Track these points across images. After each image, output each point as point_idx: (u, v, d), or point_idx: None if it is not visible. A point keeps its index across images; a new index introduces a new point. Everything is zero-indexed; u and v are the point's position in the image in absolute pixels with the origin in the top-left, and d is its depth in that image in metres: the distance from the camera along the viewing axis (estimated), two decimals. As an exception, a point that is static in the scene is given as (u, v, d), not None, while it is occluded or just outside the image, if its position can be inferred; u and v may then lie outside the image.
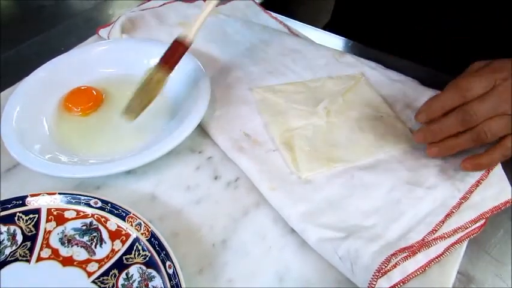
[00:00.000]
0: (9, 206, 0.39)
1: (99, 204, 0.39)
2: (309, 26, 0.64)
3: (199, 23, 0.45)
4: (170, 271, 0.34)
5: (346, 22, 0.73)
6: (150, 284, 0.35)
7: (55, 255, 0.37)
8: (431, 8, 0.61)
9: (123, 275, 0.36)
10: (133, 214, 0.38)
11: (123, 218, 0.38)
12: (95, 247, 0.37)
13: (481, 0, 0.56)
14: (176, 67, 0.51)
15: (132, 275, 0.36)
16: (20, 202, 0.39)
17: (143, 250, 0.36)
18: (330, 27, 0.74)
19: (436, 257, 0.36)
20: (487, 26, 0.58)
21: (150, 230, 0.37)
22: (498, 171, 0.41)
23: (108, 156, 0.44)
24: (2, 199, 0.39)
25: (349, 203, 0.39)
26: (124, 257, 0.37)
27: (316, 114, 0.47)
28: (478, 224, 0.38)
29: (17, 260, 0.37)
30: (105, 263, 0.37)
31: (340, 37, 0.62)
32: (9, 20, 0.73)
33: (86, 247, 0.38)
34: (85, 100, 0.49)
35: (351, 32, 0.63)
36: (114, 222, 0.38)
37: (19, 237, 0.38)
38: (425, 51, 0.61)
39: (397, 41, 0.62)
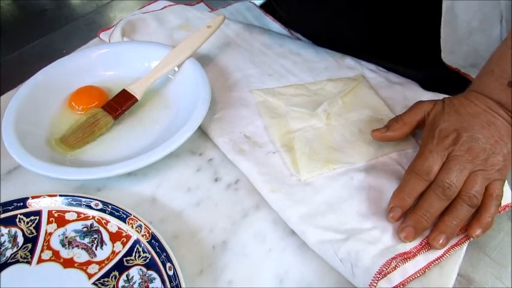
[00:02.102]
0: (10, 208, 0.39)
1: (100, 206, 0.39)
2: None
3: (149, 83, 0.50)
4: (170, 273, 0.35)
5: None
6: (151, 286, 0.35)
7: (56, 257, 0.37)
8: (428, 9, 0.61)
9: (124, 276, 0.36)
10: (133, 216, 0.38)
11: (123, 220, 0.38)
12: (96, 249, 0.38)
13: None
14: (177, 69, 0.52)
15: (133, 276, 0.36)
16: (21, 204, 0.39)
17: (144, 252, 0.37)
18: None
19: (436, 259, 0.36)
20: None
21: (150, 231, 0.37)
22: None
23: (109, 158, 0.45)
24: (3, 201, 0.40)
25: (349, 205, 0.39)
26: (124, 259, 0.37)
27: (316, 116, 0.47)
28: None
29: (17, 261, 0.37)
30: (106, 264, 0.37)
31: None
32: (11, 23, 0.74)
33: (87, 249, 0.38)
34: (90, 99, 0.50)
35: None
36: (114, 224, 0.38)
37: (20, 239, 0.38)
38: (425, 53, 0.61)
39: (395, 43, 0.62)
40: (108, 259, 0.37)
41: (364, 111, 0.48)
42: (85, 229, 0.39)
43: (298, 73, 0.53)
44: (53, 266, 0.37)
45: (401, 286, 0.35)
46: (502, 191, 0.38)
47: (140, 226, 0.37)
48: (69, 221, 0.39)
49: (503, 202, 0.39)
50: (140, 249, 0.37)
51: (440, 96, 0.49)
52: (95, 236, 0.38)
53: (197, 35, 0.53)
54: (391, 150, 0.44)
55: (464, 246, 0.38)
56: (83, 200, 0.39)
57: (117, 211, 0.38)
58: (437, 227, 0.36)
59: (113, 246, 0.38)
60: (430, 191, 0.37)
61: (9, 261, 0.37)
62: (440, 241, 0.36)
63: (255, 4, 0.67)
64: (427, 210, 0.36)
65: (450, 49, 0.49)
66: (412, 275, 0.35)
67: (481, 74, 0.42)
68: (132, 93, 0.49)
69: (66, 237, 0.38)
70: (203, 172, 0.45)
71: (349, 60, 0.55)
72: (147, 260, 0.36)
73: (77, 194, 0.40)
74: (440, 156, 0.38)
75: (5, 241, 0.38)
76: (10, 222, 0.39)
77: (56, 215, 0.39)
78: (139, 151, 0.44)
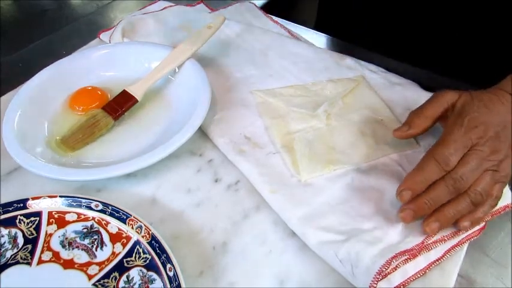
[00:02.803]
0: (11, 209, 0.39)
1: (100, 207, 0.39)
2: (310, 29, 0.64)
3: (149, 83, 0.49)
4: (171, 274, 0.34)
5: (332, 21, 0.72)
6: (151, 287, 0.35)
7: (56, 258, 0.37)
8: (429, 11, 0.61)
9: (124, 277, 0.36)
10: (134, 217, 0.38)
11: (123, 221, 0.38)
12: (96, 250, 0.38)
13: (479, 3, 0.56)
14: (177, 70, 0.52)
15: (133, 277, 0.36)
16: (21, 205, 0.39)
17: (144, 253, 0.36)
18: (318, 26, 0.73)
19: (437, 260, 0.36)
20: (486, 29, 0.58)
21: (150, 232, 0.37)
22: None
23: (109, 159, 0.45)
24: (3, 202, 0.39)
25: (350, 206, 0.39)
26: (125, 260, 0.37)
27: (317, 117, 0.47)
28: (478, 227, 0.38)
29: (18, 263, 0.37)
30: (106, 265, 0.37)
31: (340, 40, 0.62)
32: (12, 24, 0.74)
33: (87, 250, 0.38)
34: (90, 100, 0.50)
35: (339, 32, 0.63)
36: (114, 225, 0.38)
37: (20, 240, 0.38)
38: (425, 54, 0.61)
39: (396, 44, 0.62)
40: (109, 260, 0.37)
41: (364, 112, 0.48)
42: (85, 230, 0.39)
43: (298, 74, 0.53)
44: (53, 267, 0.37)
45: (401, 287, 0.35)
46: (502, 193, 0.37)
47: (140, 227, 0.37)
48: (69, 222, 0.39)
49: (504, 202, 0.39)
50: (140, 250, 0.37)
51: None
52: (95, 237, 0.38)
53: (197, 36, 0.53)
54: (392, 151, 0.44)
55: (465, 246, 0.38)
56: (83, 201, 0.39)
57: (117, 212, 0.38)
58: (434, 214, 0.36)
59: (113, 247, 0.37)
60: (442, 181, 0.36)
61: (9, 262, 0.37)
62: (433, 227, 0.36)
63: (255, 5, 0.67)
64: (432, 198, 0.36)
65: None
66: (412, 275, 0.35)
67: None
68: (132, 94, 0.49)
69: (66, 238, 0.38)
70: (203, 173, 0.45)
71: (349, 61, 0.55)
72: (148, 261, 0.36)
73: (77, 195, 0.40)
74: (463, 147, 0.37)
75: (5, 242, 0.38)
76: (10, 223, 0.39)
77: (56, 216, 0.39)
78: (139, 152, 0.44)
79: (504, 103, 0.39)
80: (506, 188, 0.40)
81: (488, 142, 0.37)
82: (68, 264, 0.37)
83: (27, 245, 0.38)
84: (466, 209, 0.36)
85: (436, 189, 0.36)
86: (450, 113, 0.40)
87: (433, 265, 0.36)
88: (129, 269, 0.36)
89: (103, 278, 0.36)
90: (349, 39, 0.61)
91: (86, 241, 0.38)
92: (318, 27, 0.65)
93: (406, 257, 0.35)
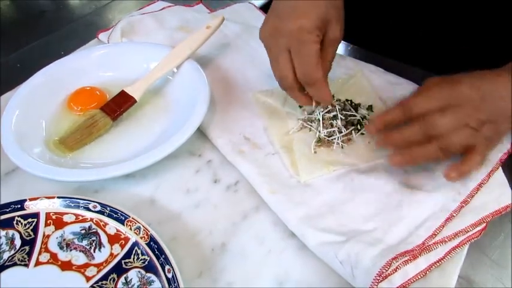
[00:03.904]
0: (8, 210, 0.39)
1: (98, 208, 0.39)
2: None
3: (148, 84, 0.49)
4: (169, 275, 0.34)
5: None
6: (149, 289, 0.35)
7: (54, 259, 0.37)
8: (429, 12, 0.61)
9: (122, 279, 0.36)
10: (132, 218, 0.38)
11: (122, 222, 0.38)
12: (94, 251, 0.37)
13: (479, 5, 0.56)
14: (176, 70, 0.51)
15: (131, 279, 0.35)
16: (19, 206, 0.39)
17: (142, 254, 0.36)
18: None
19: (437, 261, 0.36)
20: (485, 29, 0.58)
21: (149, 234, 0.37)
22: (498, 175, 0.41)
23: (107, 160, 0.44)
24: (0, 203, 0.39)
25: (349, 206, 0.39)
26: (123, 261, 0.36)
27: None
28: (478, 228, 0.38)
29: (15, 264, 0.37)
30: (104, 267, 0.36)
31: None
32: (11, 24, 0.73)
33: (85, 251, 0.37)
34: (88, 100, 0.50)
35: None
36: (113, 226, 0.38)
37: (18, 242, 0.38)
38: (424, 54, 0.61)
39: (395, 44, 0.62)
40: (107, 262, 0.37)
41: (363, 112, 0.48)
42: (83, 231, 0.38)
43: (297, 74, 0.53)
44: (50, 268, 0.37)
45: (402, 288, 0.34)
46: (486, 155, 0.39)
47: (139, 228, 0.37)
48: (67, 223, 0.39)
49: (504, 202, 0.39)
50: (139, 252, 0.36)
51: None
52: (93, 238, 0.38)
53: (196, 36, 0.53)
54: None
55: (465, 248, 0.37)
56: (81, 202, 0.39)
57: (116, 213, 0.38)
58: (401, 150, 0.39)
59: (111, 249, 0.37)
60: (416, 122, 0.38)
61: (6, 264, 0.37)
62: (395, 159, 0.39)
63: (254, 5, 0.67)
64: (402, 133, 0.39)
65: None
66: (413, 276, 0.35)
67: None
68: (130, 94, 0.48)
69: (64, 240, 0.38)
70: (202, 173, 0.44)
71: (348, 61, 0.55)
72: (146, 263, 0.36)
73: (75, 196, 0.39)
74: (437, 102, 0.38)
75: (2, 244, 0.38)
76: (7, 224, 0.38)
77: (53, 217, 0.39)
78: (138, 152, 0.44)
79: (505, 76, 0.39)
80: (507, 188, 0.40)
81: (474, 101, 0.37)
82: (66, 266, 0.37)
83: (25, 247, 0.38)
84: (433, 154, 0.38)
85: (408, 128, 0.39)
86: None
87: (433, 266, 0.35)
88: (127, 270, 0.36)
89: (101, 279, 0.36)
90: (348, 39, 0.61)
91: (84, 242, 0.38)
92: None
93: (406, 258, 0.35)
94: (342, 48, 0.62)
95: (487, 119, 0.38)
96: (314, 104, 0.44)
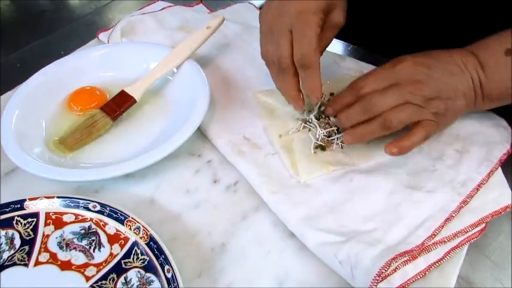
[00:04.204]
0: (8, 209, 0.39)
1: (98, 208, 0.39)
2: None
3: (148, 84, 0.49)
4: (169, 275, 0.34)
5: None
6: (149, 288, 0.35)
7: (53, 259, 0.37)
8: (429, 12, 0.61)
9: (122, 279, 0.36)
10: (132, 218, 0.38)
11: (121, 222, 0.38)
12: (94, 251, 0.37)
13: (479, 5, 0.56)
14: (176, 70, 0.51)
15: (131, 279, 0.35)
16: (19, 206, 0.39)
17: (142, 254, 0.36)
18: None
19: (436, 261, 0.36)
20: (485, 29, 0.58)
21: (149, 233, 0.37)
22: (498, 175, 0.41)
23: (107, 160, 0.44)
24: (0, 203, 0.39)
25: (349, 207, 0.39)
26: (122, 261, 0.36)
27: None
28: (478, 229, 0.38)
29: (15, 264, 0.37)
30: (104, 267, 0.36)
31: (340, 41, 0.62)
32: (11, 24, 0.73)
33: (85, 251, 0.37)
34: (88, 100, 0.50)
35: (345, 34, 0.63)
36: (112, 226, 0.38)
37: (17, 241, 0.38)
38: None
39: (395, 44, 0.62)
40: (106, 261, 0.37)
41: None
42: (83, 231, 0.38)
43: (297, 74, 0.53)
44: (50, 268, 0.37)
45: (401, 288, 0.34)
46: (432, 133, 0.39)
47: (138, 228, 0.37)
48: (66, 223, 0.39)
49: (504, 203, 0.39)
50: (138, 252, 0.36)
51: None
52: (92, 238, 0.38)
53: (196, 36, 0.53)
54: (391, 151, 0.44)
55: (465, 248, 0.37)
56: (81, 201, 0.39)
57: (115, 213, 0.38)
58: (351, 129, 0.41)
59: (111, 249, 0.37)
60: (357, 102, 0.41)
61: (6, 263, 0.37)
62: (344, 138, 0.42)
63: (254, 5, 0.67)
64: (346, 113, 0.41)
65: None
66: (412, 277, 0.35)
67: (487, 38, 0.43)
68: (130, 94, 0.48)
69: (63, 240, 0.38)
70: (202, 174, 0.44)
71: (348, 61, 0.55)
72: (146, 263, 0.36)
73: (74, 196, 0.39)
74: (383, 81, 0.40)
75: (2, 243, 0.38)
76: (7, 224, 0.38)
77: (53, 217, 0.39)
78: (137, 152, 0.44)
79: (454, 57, 0.40)
80: (506, 188, 0.40)
81: (412, 77, 0.39)
82: (65, 266, 0.37)
83: (24, 246, 0.38)
84: (374, 131, 0.40)
85: (352, 108, 0.41)
86: None
87: (433, 266, 0.36)
88: (127, 270, 0.36)
89: (101, 279, 0.36)
90: (348, 39, 0.61)
91: (84, 242, 0.38)
92: None
93: (405, 259, 0.35)
94: (342, 48, 0.62)
95: (435, 96, 0.39)
96: (302, 102, 0.44)
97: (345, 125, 0.42)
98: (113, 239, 0.38)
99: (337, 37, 0.62)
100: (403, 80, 0.39)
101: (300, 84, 0.43)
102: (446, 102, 0.39)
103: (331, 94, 0.49)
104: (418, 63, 0.40)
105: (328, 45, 0.44)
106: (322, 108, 0.46)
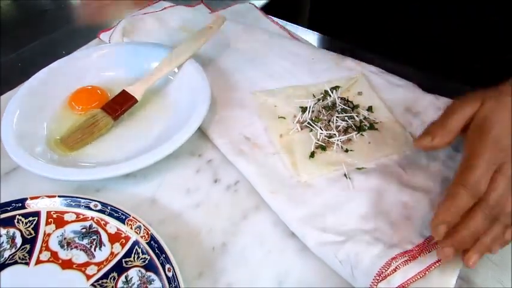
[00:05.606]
0: (9, 208, 0.39)
1: (99, 207, 0.39)
2: (310, 30, 0.64)
3: (149, 83, 0.49)
4: (170, 274, 0.34)
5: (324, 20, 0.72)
6: (150, 287, 0.35)
7: (54, 258, 0.37)
8: (429, 12, 0.61)
9: (123, 278, 0.36)
10: (133, 217, 0.38)
11: (122, 221, 0.38)
12: (94, 250, 0.37)
13: (479, 5, 0.56)
14: (177, 70, 0.52)
15: (132, 278, 0.36)
16: (20, 205, 0.39)
17: (143, 253, 0.36)
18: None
19: (437, 262, 0.36)
20: (486, 29, 0.58)
21: (149, 233, 0.37)
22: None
23: (108, 159, 0.44)
24: (1, 202, 0.39)
25: (349, 206, 0.39)
26: (123, 260, 0.37)
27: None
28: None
29: (16, 262, 0.37)
30: (105, 266, 0.36)
31: (340, 42, 0.62)
32: (12, 24, 0.73)
33: (85, 250, 0.37)
34: (90, 100, 0.50)
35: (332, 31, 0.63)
36: (113, 225, 0.38)
37: (18, 240, 0.38)
38: (424, 55, 0.61)
39: (395, 44, 0.62)
40: (107, 260, 0.37)
41: (363, 113, 0.48)
42: (84, 230, 0.38)
43: (298, 74, 0.53)
44: (51, 267, 0.37)
45: (401, 288, 0.34)
46: None
47: (139, 227, 0.37)
48: (67, 222, 0.39)
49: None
50: (139, 251, 0.37)
51: (440, 98, 0.49)
52: (93, 237, 0.38)
53: (197, 36, 0.53)
54: (392, 151, 0.44)
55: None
56: (82, 201, 0.39)
57: (116, 212, 0.38)
58: (475, 246, 0.34)
59: (112, 248, 0.37)
60: (478, 209, 0.33)
61: (7, 262, 0.37)
62: (474, 260, 0.34)
63: (255, 5, 0.67)
64: (473, 231, 0.33)
65: None
66: (412, 277, 0.35)
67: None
68: (131, 94, 0.48)
69: (64, 238, 0.38)
70: (203, 173, 0.44)
71: (349, 62, 0.55)
72: (146, 262, 0.36)
73: (76, 195, 0.39)
74: (491, 169, 0.34)
75: (3, 242, 0.38)
76: (8, 223, 0.38)
77: (54, 216, 0.39)
78: (138, 152, 0.44)
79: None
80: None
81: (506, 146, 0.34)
82: (66, 265, 0.37)
83: (26, 245, 0.38)
84: (501, 234, 0.34)
85: (475, 220, 0.33)
86: (471, 125, 0.37)
87: (433, 266, 0.35)
88: (127, 269, 0.36)
89: (101, 278, 0.36)
90: (349, 39, 0.62)
91: (85, 241, 0.38)
92: (312, 27, 0.65)
93: (406, 258, 0.35)
94: (341, 48, 0.62)
95: None
96: None
97: (469, 245, 0.34)
98: (114, 238, 0.38)
99: (337, 37, 0.63)
100: (506, 164, 0.34)
101: None
102: None
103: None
104: (503, 127, 0.35)
105: None
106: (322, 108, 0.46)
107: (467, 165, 0.35)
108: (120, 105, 0.48)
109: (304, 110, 0.47)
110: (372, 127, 0.46)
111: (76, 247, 0.38)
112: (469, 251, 0.34)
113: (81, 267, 0.37)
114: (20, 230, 0.38)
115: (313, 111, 0.47)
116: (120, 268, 0.36)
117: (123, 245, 0.37)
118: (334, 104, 0.47)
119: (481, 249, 0.34)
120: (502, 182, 0.34)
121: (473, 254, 0.34)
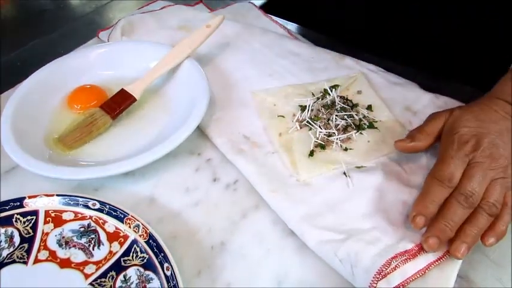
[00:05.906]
0: (7, 207, 0.39)
1: (97, 206, 0.39)
2: (309, 29, 0.64)
3: (148, 82, 0.49)
4: (168, 273, 0.34)
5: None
6: (148, 286, 0.35)
7: (52, 257, 0.37)
8: (429, 12, 0.61)
9: (121, 277, 0.36)
10: (131, 216, 0.38)
11: (121, 220, 0.38)
12: (93, 249, 0.37)
13: (479, 5, 0.56)
14: (176, 69, 0.51)
15: (130, 277, 0.35)
16: (18, 204, 0.39)
17: (141, 252, 0.36)
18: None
19: (436, 260, 0.36)
20: (486, 30, 0.58)
21: (148, 232, 0.37)
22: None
23: (107, 158, 0.44)
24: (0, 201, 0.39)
25: (349, 205, 0.39)
26: (122, 259, 0.36)
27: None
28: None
29: (14, 262, 0.37)
30: (103, 265, 0.36)
31: (339, 41, 0.62)
32: (11, 23, 0.73)
33: (84, 249, 0.37)
34: (88, 99, 0.50)
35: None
36: (112, 224, 0.38)
37: (16, 239, 0.38)
38: (424, 55, 0.61)
39: (395, 44, 0.62)
40: (106, 259, 0.37)
41: (363, 112, 0.48)
42: (82, 229, 0.38)
43: (297, 73, 0.53)
44: (49, 266, 0.37)
45: (401, 287, 0.34)
46: None
47: (138, 226, 0.37)
48: (66, 221, 0.39)
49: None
50: (138, 250, 0.36)
51: (440, 97, 0.49)
52: (92, 236, 0.38)
53: (196, 35, 0.53)
54: (391, 150, 0.44)
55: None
56: (80, 199, 0.39)
57: (115, 211, 0.38)
58: (458, 236, 0.35)
59: (110, 246, 0.37)
60: (452, 199, 0.36)
61: (5, 261, 0.37)
62: (462, 250, 0.35)
63: (254, 4, 0.67)
64: (450, 219, 0.35)
65: None
66: (412, 275, 0.35)
67: (504, 80, 0.42)
68: (130, 92, 0.48)
69: (63, 237, 0.38)
70: (202, 172, 0.44)
71: (348, 61, 0.55)
72: (145, 260, 0.36)
73: (74, 194, 0.39)
74: (462, 162, 0.37)
75: (1, 241, 0.38)
76: (7, 222, 0.38)
77: (53, 214, 0.39)
78: (137, 151, 0.44)
79: (497, 110, 0.40)
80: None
81: (485, 152, 0.37)
82: (65, 264, 0.37)
83: (24, 244, 0.37)
84: (486, 224, 0.36)
85: (450, 208, 0.36)
86: (444, 129, 0.41)
87: (432, 265, 0.35)
88: (126, 268, 0.36)
89: (100, 277, 0.36)
90: (349, 39, 0.61)
91: (83, 240, 0.38)
92: (311, 26, 0.65)
93: (405, 257, 0.35)
94: (341, 48, 0.62)
95: (508, 162, 0.37)
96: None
97: (453, 232, 0.36)
98: (112, 237, 0.38)
99: (337, 37, 0.63)
100: (476, 158, 0.37)
101: None
102: None
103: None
104: (480, 135, 0.38)
105: None
106: (320, 107, 0.46)
107: (439, 160, 0.39)
108: (118, 104, 0.48)
109: (303, 108, 0.47)
110: (371, 126, 0.46)
111: (74, 246, 0.38)
112: (455, 241, 0.35)
113: (80, 266, 0.36)
114: (18, 229, 0.38)
115: (312, 110, 0.47)
116: (118, 267, 0.36)
117: (121, 244, 0.37)
118: (333, 102, 0.47)
119: (468, 240, 0.35)
120: (474, 172, 0.36)
121: (459, 244, 0.35)
